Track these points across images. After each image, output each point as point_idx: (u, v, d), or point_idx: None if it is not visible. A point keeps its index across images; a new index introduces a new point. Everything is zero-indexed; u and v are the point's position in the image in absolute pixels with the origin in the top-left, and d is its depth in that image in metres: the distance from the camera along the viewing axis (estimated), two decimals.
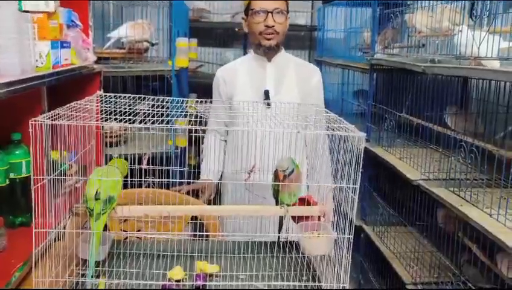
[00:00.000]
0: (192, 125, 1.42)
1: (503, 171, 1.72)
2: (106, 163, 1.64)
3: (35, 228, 1.24)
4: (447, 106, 2.38)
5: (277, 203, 1.59)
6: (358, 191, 1.28)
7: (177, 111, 1.51)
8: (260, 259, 1.59)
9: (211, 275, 1.48)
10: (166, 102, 1.53)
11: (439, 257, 2.24)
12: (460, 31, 1.83)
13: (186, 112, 1.61)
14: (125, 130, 3.01)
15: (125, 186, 1.53)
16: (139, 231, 1.89)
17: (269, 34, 2.08)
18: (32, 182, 1.21)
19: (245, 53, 4.52)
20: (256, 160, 1.93)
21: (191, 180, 2.04)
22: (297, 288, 1.42)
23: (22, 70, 1.39)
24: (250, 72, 2.18)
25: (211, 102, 1.92)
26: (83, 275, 1.38)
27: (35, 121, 1.15)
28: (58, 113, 1.23)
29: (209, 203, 1.97)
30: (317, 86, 2.23)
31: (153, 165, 1.63)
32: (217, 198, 2.08)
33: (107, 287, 1.38)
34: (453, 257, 2.11)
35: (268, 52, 2.15)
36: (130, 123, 1.28)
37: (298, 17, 4.48)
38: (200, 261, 1.52)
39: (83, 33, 2.02)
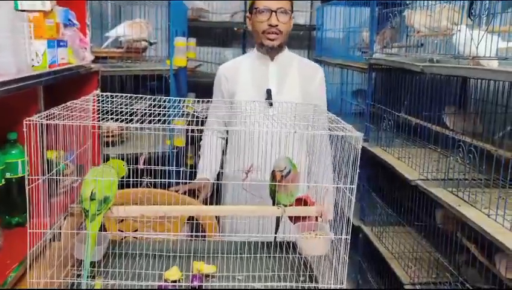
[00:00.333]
0: (190, 125, 1.41)
1: (501, 171, 1.71)
2: (104, 163, 1.63)
3: (30, 229, 1.23)
4: (446, 105, 2.37)
5: (274, 204, 1.59)
6: (355, 191, 1.28)
7: (175, 110, 1.50)
8: (257, 259, 1.58)
9: (207, 276, 1.47)
10: (164, 101, 1.52)
11: (437, 257, 2.24)
12: (459, 30, 1.82)
13: (183, 111, 1.60)
14: (122, 129, 3.01)
15: (122, 186, 1.52)
16: (136, 231, 1.88)
17: (272, 34, 2.07)
18: (26, 182, 1.20)
19: (244, 52, 4.52)
20: (254, 160, 1.93)
21: (189, 181, 2.03)
22: (294, 288, 1.42)
23: (18, 69, 1.39)
24: (252, 70, 2.17)
25: (208, 101, 1.91)
26: (78, 276, 1.38)
27: (29, 120, 1.14)
28: (54, 113, 1.22)
29: (206, 203, 1.96)
30: (320, 84, 2.22)
31: (150, 165, 1.63)
32: (216, 198, 2.08)
33: (103, 288, 1.38)
34: (452, 257, 2.10)
35: (271, 52, 2.14)
36: (127, 123, 1.27)
37: (297, 16, 4.47)
38: (196, 261, 1.52)
39: (80, 32, 2.01)
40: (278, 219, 1.68)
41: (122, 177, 1.49)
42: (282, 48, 2.16)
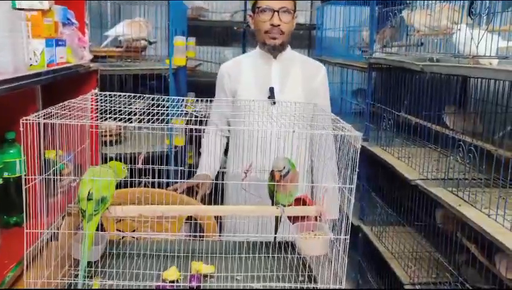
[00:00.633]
0: (189, 124, 1.41)
1: (501, 171, 1.70)
2: (103, 162, 1.62)
3: (27, 229, 1.23)
4: (446, 105, 2.37)
5: (273, 204, 1.58)
6: (354, 191, 1.27)
7: (173, 109, 1.49)
8: (256, 259, 1.57)
9: (206, 276, 1.46)
10: (163, 100, 1.51)
11: (437, 257, 2.23)
12: (459, 29, 1.81)
13: (182, 110, 1.59)
14: (121, 129, 3.00)
15: (120, 186, 1.52)
16: (134, 231, 1.87)
17: (275, 34, 2.07)
18: (23, 182, 1.19)
19: (244, 52, 4.51)
20: (254, 159, 1.92)
21: (188, 180, 2.02)
22: (293, 288, 1.41)
23: (15, 68, 1.38)
24: (255, 69, 2.17)
25: (207, 101, 1.90)
26: (76, 276, 1.37)
27: (26, 120, 1.14)
28: (51, 112, 1.22)
29: (205, 202, 1.96)
30: (323, 83, 2.21)
31: (149, 164, 1.62)
32: (216, 197, 2.07)
33: (100, 288, 1.37)
34: (452, 257, 2.10)
35: (274, 51, 2.13)
36: (125, 122, 1.27)
37: (297, 15, 4.46)
38: (195, 261, 1.51)
39: (78, 31, 2.00)
40: (277, 219, 1.67)
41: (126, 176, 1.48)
42: (284, 46, 2.15)
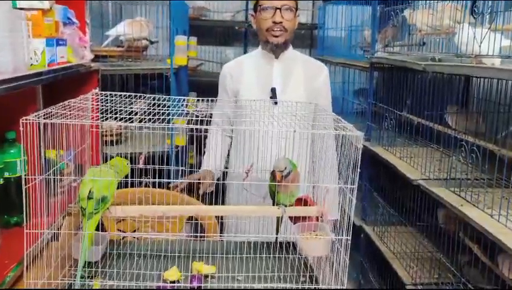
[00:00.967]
0: (190, 124, 1.40)
1: (504, 171, 1.69)
2: (104, 162, 1.62)
3: (27, 229, 1.22)
4: (448, 105, 2.36)
5: (274, 204, 1.57)
6: (356, 191, 1.26)
7: (174, 109, 1.48)
8: (257, 260, 1.57)
9: (206, 276, 1.46)
10: (163, 100, 1.51)
11: (439, 258, 2.22)
12: (461, 29, 1.80)
13: (184, 110, 1.59)
14: (121, 128, 3.00)
15: (121, 186, 1.51)
16: (135, 231, 1.87)
17: (277, 31, 2.06)
18: (23, 182, 1.19)
19: (245, 51, 4.51)
20: (255, 159, 1.91)
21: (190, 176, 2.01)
22: (294, 289, 1.41)
23: (15, 68, 1.37)
24: (257, 68, 2.16)
25: (209, 100, 1.90)
26: (82, 277, 1.36)
27: (26, 119, 1.13)
28: (51, 112, 1.21)
29: (204, 200, 1.95)
30: (325, 83, 2.20)
31: (150, 164, 1.61)
32: (218, 197, 2.06)
33: (101, 289, 1.36)
34: (454, 258, 2.09)
35: (276, 50, 2.12)
36: (125, 122, 1.26)
37: (299, 14, 4.45)
38: (196, 261, 1.51)
39: (79, 31, 2.00)
40: (278, 219, 1.66)
41: (126, 176, 1.47)
42: (287, 45, 2.15)
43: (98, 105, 1.43)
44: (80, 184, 1.36)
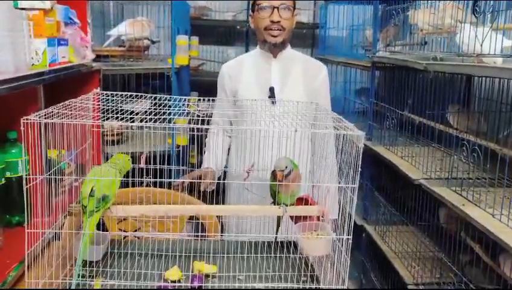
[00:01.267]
0: (192, 123, 1.40)
1: (506, 170, 1.69)
2: (106, 161, 1.62)
3: (28, 228, 1.22)
4: (450, 104, 2.35)
5: (275, 203, 1.57)
6: (357, 190, 1.26)
7: (175, 109, 1.49)
8: (259, 259, 1.57)
9: (208, 276, 1.46)
10: (165, 100, 1.51)
11: (441, 257, 2.22)
12: (462, 29, 1.80)
13: (184, 110, 1.59)
14: (124, 128, 3.00)
15: (122, 185, 1.51)
16: (136, 230, 1.87)
17: (275, 30, 2.06)
18: (24, 182, 1.19)
19: (247, 51, 4.51)
20: (256, 159, 1.91)
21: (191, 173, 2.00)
22: (295, 288, 1.41)
23: (16, 68, 1.38)
24: (255, 68, 2.16)
25: (210, 100, 1.90)
26: (78, 276, 1.36)
27: (27, 119, 1.13)
28: (52, 112, 1.22)
29: (206, 198, 1.95)
30: (324, 82, 2.20)
31: (151, 164, 1.62)
32: (218, 197, 2.06)
33: (102, 288, 1.37)
34: (455, 257, 2.08)
35: (274, 49, 2.13)
36: (126, 121, 1.26)
37: (297, 13, 4.44)
38: (197, 261, 1.51)
39: (81, 31, 2.00)
40: (279, 219, 1.66)
41: (127, 176, 1.48)
42: (285, 45, 2.14)
43: (99, 105, 1.44)
44: (82, 183, 1.36)
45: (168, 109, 1.41)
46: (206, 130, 2.18)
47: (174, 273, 1.42)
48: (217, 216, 1.96)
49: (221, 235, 1.99)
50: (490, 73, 1.76)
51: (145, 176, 1.55)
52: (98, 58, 2.38)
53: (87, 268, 1.42)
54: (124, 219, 1.93)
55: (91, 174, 1.36)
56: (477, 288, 1.92)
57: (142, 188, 1.66)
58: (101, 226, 1.51)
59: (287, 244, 1.68)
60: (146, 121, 1.26)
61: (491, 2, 1.75)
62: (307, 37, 4.68)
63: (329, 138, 1.61)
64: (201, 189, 1.92)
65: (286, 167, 1.47)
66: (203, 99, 1.83)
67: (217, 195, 1.82)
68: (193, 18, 4.19)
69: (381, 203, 2.80)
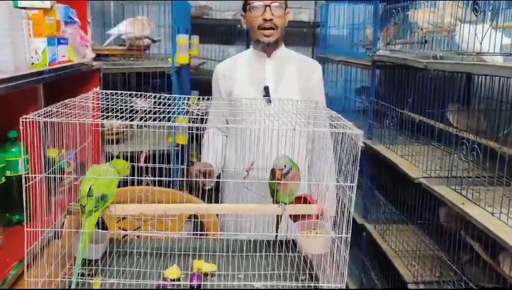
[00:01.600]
0: (193, 122, 1.40)
1: (505, 169, 1.69)
2: (106, 161, 1.62)
3: (28, 227, 1.23)
4: (450, 103, 2.35)
5: (274, 202, 1.57)
6: (355, 189, 1.26)
7: (174, 108, 1.49)
8: (258, 258, 1.57)
9: (207, 274, 1.46)
10: (164, 99, 1.51)
11: (440, 256, 2.22)
12: (462, 28, 1.80)
13: (184, 109, 1.59)
14: (124, 127, 3.00)
15: (123, 184, 1.51)
16: (136, 229, 1.88)
17: (268, 29, 2.06)
18: (23, 180, 1.19)
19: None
20: (255, 158, 1.91)
21: (190, 179, 2.01)
22: (294, 287, 1.41)
23: (16, 67, 1.38)
24: (249, 67, 2.16)
25: (210, 99, 1.90)
26: (77, 275, 1.37)
27: (26, 118, 1.14)
28: (51, 111, 1.22)
29: (206, 199, 1.95)
30: (318, 81, 2.21)
31: (151, 163, 1.62)
32: (218, 195, 2.05)
33: (101, 287, 1.37)
34: (455, 256, 2.08)
35: (268, 48, 2.13)
36: (125, 120, 1.26)
37: (301, 13, 4.46)
38: (197, 259, 1.51)
39: (81, 30, 2.00)
40: (278, 218, 1.67)
41: (126, 176, 1.48)
42: (278, 44, 2.15)
43: (98, 104, 1.44)
44: (81, 182, 1.37)
45: (168, 108, 1.41)
46: (204, 129, 2.19)
47: (173, 272, 1.43)
48: (216, 215, 1.96)
49: (221, 234, 1.99)
50: (490, 71, 1.76)
51: (144, 175, 1.55)
52: (99, 57, 2.38)
53: (87, 267, 1.43)
54: (123, 218, 1.93)
55: (89, 174, 1.36)
56: (477, 286, 1.91)
57: (141, 187, 1.66)
58: (101, 224, 1.51)
59: (286, 243, 1.68)
60: (146, 120, 1.26)
61: (491, 1, 1.75)
62: (307, 36, 4.68)
63: (328, 137, 1.61)
64: (207, 185, 1.92)
65: (285, 166, 1.48)
66: (203, 98, 1.83)
67: (216, 194, 1.82)
68: (194, 17, 4.19)
69: (382, 202, 2.80)
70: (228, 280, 1.43)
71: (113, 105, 1.38)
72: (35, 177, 1.22)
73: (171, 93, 2.73)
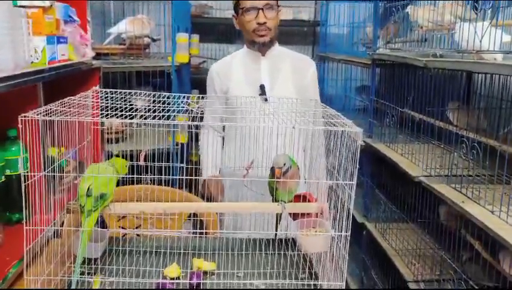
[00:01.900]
0: (192, 121, 1.40)
1: (505, 167, 1.69)
2: (106, 159, 1.62)
3: (27, 226, 1.23)
4: (450, 101, 2.35)
5: (274, 200, 1.57)
6: (355, 187, 1.26)
7: (174, 106, 1.49)
8: (257, 256, 1.57)
9: (206, 273, 1.46)
10: (163, 97, 1.51)
11: (441, 254, 2.21)
12: (461, 28, 1.79)
13: (184, 107, 1.59)
14: (124, 126, 3.00)
15: (122, 183, 1.51)
16: (136, 228, 1.88)
17: (262, 31, 2.07)
18: (22, 179, 1.19)
19: None
20: (254, 156, 1.92)
21: (189, 177, 2.01)
22: (293, 286, 1.41)
23: (15, 65, 1.38)
24: (244, 67, 2.17)
25: (207, 98, 1.90)
26: (79, 273, 1.37)
27: (25, 117, 1.13)
28: (50, 109, 1.22)
29: (205, 197, 1.95)
30: (313, 79, 2.22)
31: (151, 161, 1.62)
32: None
33: (101, 286, 1.37)
34: (455, 255, 2.08)
35: (262, 48, 2.14)
36: (125, 119, 1.26)
37: (301, 12, 4.46)
38: (196, 258, 1.51)
39: (80, 28, 2.00)
40: (277, 216, 1.67)
41: (129, 169, 1.48)
42: (272, 43, 2.16)
43: (98, 102, 1.44)
44: (80, 181, 1.36)
45: (167, 106, 1.41)
46: (201, 130, 2.20)
47: (173, 270, 1.43)
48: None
49: (221, 233, 1.99)
50: (490, 69, 1.75)
51: (143, 173, 1.55)
52: (98, 56, 2.38)
53: (87, 265, 1.43)
54: (123, 217, 1.93)
55: (88, 173, 1.36)
56: (477, 285, 1.91)
57: (140, 186, 1.66)
58: (101, 223, 1.51)
59: (285, 241, 1.68)
60: (144, 118, 1.26)
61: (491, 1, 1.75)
62: (307, 35, 4.67)
63: (320, 134, 1.61)
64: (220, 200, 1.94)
65: (284, 164, 1.48)
66: (203, 97, 1.83)
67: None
68: (194, 16, 4.19)
69: (382, 200, 2.80)
70: (228, 279, 1.43)
71: (112, 103, 1.37)
72: (34, 175, 1.22)
73: (171, 93, 2.73)
